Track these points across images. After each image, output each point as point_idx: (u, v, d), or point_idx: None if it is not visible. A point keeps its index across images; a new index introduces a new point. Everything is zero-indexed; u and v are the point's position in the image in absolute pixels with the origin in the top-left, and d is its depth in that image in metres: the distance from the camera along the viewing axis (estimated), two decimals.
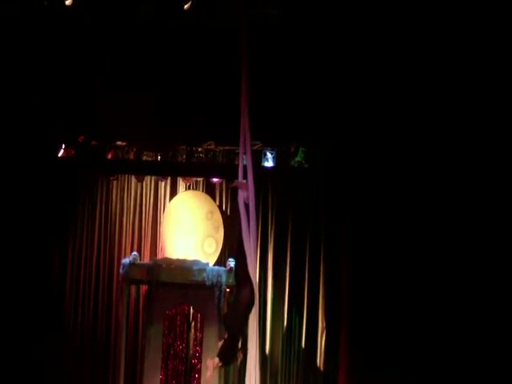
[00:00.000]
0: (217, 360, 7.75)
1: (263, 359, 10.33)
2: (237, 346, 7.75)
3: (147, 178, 10.88)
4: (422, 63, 9.18)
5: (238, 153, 7.98)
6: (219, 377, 10.04)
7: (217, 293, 10.01)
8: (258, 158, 9.90)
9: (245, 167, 7.70)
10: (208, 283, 10.01)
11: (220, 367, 7.77)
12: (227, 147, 9.89)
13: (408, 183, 9.51)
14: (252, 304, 7.52)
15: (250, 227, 7.59)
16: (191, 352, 10.27)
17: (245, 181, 7.73)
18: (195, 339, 10.25)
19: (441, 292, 9.43)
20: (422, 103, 9.32)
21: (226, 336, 7.74)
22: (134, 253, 10.52)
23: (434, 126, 9.36)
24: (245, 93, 7.83)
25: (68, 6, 9.41)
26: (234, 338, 7.74)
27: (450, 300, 9.39)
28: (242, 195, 7.75)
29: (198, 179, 10.76)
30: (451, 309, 9.38)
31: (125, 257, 10.59)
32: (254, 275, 7.52)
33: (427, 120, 9.36)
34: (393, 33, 9.03)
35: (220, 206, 10.71)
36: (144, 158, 10.45)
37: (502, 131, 9.24)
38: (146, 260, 10.69)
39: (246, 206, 7.68)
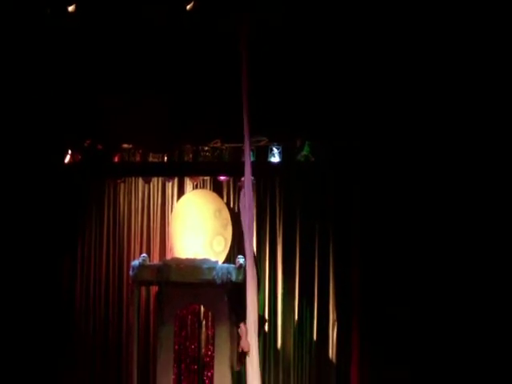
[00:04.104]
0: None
1: (275, 353, 10.44)
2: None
3: (154, 179, 10.92)
4: (427, 54, 9.24)
5: (243, 150, 8.05)
6: (232, 375, 10.10)
7: (227, 290, 10.06)
8: (264, 153, 10.03)
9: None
10: (218, 281, 10.01)
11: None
12: (234, 144, 9.95)
13: (418, 175, 9.54)
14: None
15: (247, 222, 7.66)
16: (203, 351, 10.32)
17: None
18: (207, 338, 10.31)
19: (454, 283, 9.45)
20: (430, 94, 9.35)
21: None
22: (144, 254, 10.56)
23: (444, 117, 9.37)
24: (245, 93, 7.95)
25: (71, 13, 9.56)
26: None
27: (462, 292, 9.40)
28: (243, 194, 7.83)
29: (205, 178, 10.82)
30: (464, 301, 9.39)
31: (134, 259, 10.65)
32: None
33: (437, 111, 9.38)
34: (398, 26, 9.10)
35: (228, 204, 10.73)
36: (150, 159, 10.56)
37: None
38: (156, 261, 10.73)
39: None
